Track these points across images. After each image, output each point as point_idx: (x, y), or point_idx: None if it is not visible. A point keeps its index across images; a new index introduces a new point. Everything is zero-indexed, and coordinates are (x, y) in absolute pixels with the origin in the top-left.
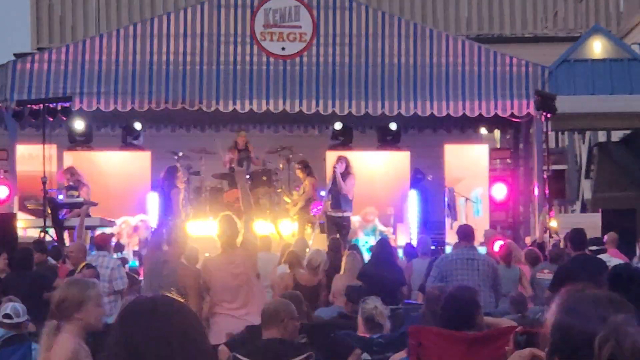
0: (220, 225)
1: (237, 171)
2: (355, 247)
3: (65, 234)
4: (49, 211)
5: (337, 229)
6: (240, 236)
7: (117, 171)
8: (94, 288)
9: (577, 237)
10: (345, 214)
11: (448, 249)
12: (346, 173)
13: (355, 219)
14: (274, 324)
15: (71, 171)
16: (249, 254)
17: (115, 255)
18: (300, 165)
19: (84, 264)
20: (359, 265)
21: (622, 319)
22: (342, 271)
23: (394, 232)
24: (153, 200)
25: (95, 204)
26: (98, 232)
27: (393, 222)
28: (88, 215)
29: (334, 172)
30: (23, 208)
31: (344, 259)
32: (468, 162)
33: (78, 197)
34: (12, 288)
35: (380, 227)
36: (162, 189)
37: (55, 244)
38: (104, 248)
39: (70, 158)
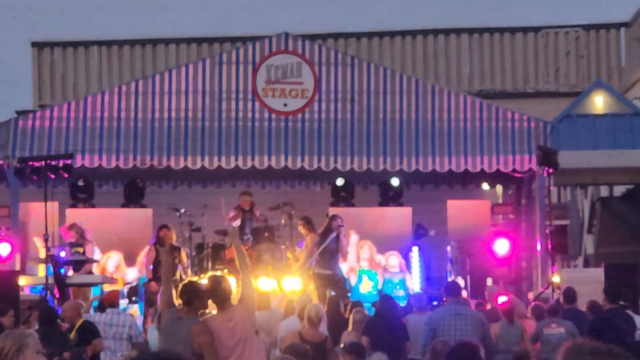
0: (211, 286)
1: (230, 231)
2: (360, 304)
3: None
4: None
5: (330, 286)
6: (237, 293)
7: (119, 228)
8: (32, 336)
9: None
10: (335, 271)
11: None
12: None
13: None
14: None
15: (75, 228)
16: (247, 310)
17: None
18: (303, 221)
19: (81, 321)
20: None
21: None
22: (349, 327)
23: None
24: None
25: (96, 261)
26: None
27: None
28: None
29: (339, 232)
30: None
31: (351, 316)
32: (470, 217)
33: (83, 253)
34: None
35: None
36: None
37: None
38: (115, 305)
39: (72, 215)
